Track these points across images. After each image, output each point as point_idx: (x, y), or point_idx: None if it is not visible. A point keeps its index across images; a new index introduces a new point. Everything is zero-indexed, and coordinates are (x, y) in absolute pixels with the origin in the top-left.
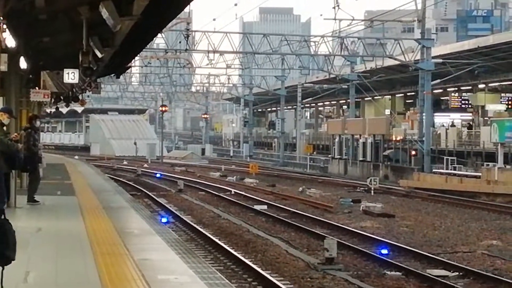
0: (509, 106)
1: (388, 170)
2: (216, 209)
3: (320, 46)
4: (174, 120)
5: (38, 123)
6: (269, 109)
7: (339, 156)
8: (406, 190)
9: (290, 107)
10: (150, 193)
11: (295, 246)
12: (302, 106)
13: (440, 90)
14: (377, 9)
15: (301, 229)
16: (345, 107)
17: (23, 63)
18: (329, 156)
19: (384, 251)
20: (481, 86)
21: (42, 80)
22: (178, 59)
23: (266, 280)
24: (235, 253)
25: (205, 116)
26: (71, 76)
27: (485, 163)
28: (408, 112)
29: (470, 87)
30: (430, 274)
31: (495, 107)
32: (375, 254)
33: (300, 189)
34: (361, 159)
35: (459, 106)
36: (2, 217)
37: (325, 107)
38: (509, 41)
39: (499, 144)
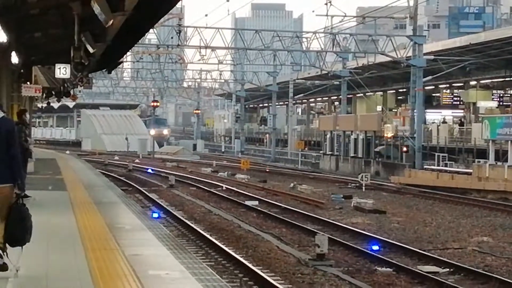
0: (500, 103)
1: (379, 166)
2: (207, 205)
3: (312, 42)
4: (166, 116)
5: (27, 116)
6: (261, 105)
7: (330, 152)
8: (397, 186)
9: (282, 103)
10: (141, 189)
11: (286, 242)
12: (294, 102)
13: (432, 87)
14: (369, 5)
15: (292, 225)
16: (336, 103)
17: (14, 58)
18: (321, 152)
19: (375, 247)
20: (473, 83)
21: (33, 75)
22: (170, 55)
23: (257, 276)
24: (226, 248)
25: (197, 111)
26: (62, 71)
27: (476, 160)
28: (400, 108)
29: (461, 84)
30: (421, 270)
31: (486, 104)
32: (366, 250)
33: (292, 185)
34: (352, 155)
35: (450, 102)
36: (20, 202)
37: (317, 103)
38: (501, 38)
39: (490, 141)
